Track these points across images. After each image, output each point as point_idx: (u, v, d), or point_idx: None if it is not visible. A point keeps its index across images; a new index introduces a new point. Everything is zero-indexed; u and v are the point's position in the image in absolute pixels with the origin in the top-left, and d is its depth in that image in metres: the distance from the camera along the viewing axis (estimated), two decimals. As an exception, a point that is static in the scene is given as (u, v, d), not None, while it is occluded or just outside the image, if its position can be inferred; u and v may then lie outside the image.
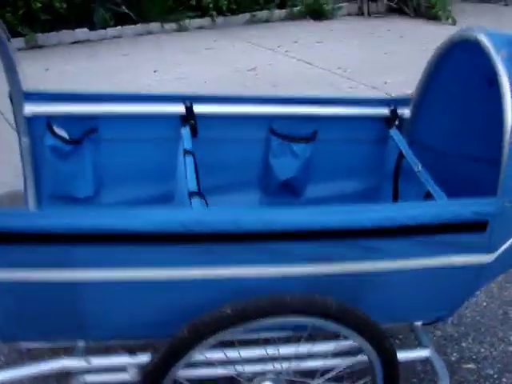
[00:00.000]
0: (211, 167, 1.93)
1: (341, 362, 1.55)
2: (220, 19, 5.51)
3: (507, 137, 1.39)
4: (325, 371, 1.57)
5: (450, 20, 6.29)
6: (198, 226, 1.30)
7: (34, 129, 1.85)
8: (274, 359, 1.54)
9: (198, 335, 1.35)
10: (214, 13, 5.43)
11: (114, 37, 5.00)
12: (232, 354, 1.50)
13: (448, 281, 1.56)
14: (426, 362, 1.82)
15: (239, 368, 1.52)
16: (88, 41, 4.87)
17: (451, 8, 6.42)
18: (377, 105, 2.01)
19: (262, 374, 1.56)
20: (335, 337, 1.51)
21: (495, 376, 2.11)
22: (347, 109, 1.99)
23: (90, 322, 1.47)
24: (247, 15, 5.72)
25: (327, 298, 1.38)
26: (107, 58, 4.47)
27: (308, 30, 5.64)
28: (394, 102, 2.01)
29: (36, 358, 1.58)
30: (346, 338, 1.48)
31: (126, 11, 5.13)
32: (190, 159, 1.72)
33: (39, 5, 4.34)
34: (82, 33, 4.86)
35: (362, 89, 3.83)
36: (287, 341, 1.58)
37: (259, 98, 1.96)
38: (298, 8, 6.05)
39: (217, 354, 1.48)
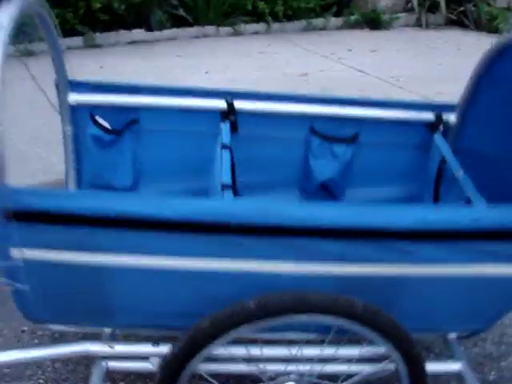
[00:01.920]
0: (249, 163, 1.94)
1: (366, 368, 1.52)
2: (275, 25, 5.51)
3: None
4: (348, 376, 1.53)
5: None
6: (225, 216, 1.29)
7: (78, 118, 1.89)
8: (297, 360, 1.51)
9: (220, 328, 1.33)
10: (270, 18, 5.44)
11: (170, 38, 5.07)
12: (255, 351, 1.49)
13: (486, 291, 1.50)
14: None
15: (262, 366, 1.50)
16: (144, 41, 4.95)
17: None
18: (421, 109, 1.96)
19: (285, 374, 1.54)
20: (361, 342, 1.47)
21: (534, 400, 2.02)
22: (390, 112, 1.95)
23: (116, 308, 1.47)
24: (303, 22, 5.71)
25: (353, 298, 1.34)
26: (161, 59, 4.54)
27: (363, 38, 5.59)
28: (439, 107, 1.96)
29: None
30: (371, 342, 1.45)
31: (183, 14, 5.20)
32: (226, 154, 1.72)
33: (99, 5, 4.44)
34: (138, 33, 4.96)
35: (412, 98, 3.76)
36: (312, 343, 1.55)
37: (301, 97, 1.94)
38: (355, 17, 6.01)
39: (240, 351, 1.47)
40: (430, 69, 4.55)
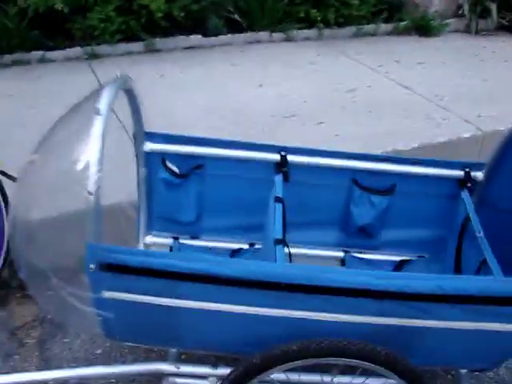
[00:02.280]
0: (298, 207, 2.23)
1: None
2: (326, 31, 5.71)
3: None
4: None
5: None
6: (276, 277, 1.59)
7: (151, 162, 2.21)
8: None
9: (268, 364, 1.65)
10: (321, 25, 5.64)
11: (225, 44, 5.32)
12: (294, 377, 1.80)
13: (493, 342, 1.77)
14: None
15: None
16: (201, 47, 5.22)
17: None
18: (452, 167, 2.20)
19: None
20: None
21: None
22: (426, 169, 2.21)
23: (183, 336, 1.81)
24: (353, 28, 5.88)
25: (378, 347, 1.64)
26: (217, 67, 4.80)
27: (411, 47, 5.72)
28: (468, 165, 2.20)
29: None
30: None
31: (238, 19, 5.45)
32: (279, 207, 2.02)
33: (161, 14, 4.74)
34: (195, 39, 5.22)
35: (454, 121, 3.94)
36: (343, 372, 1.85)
37: (345, 154, 2.21)
38: (405, 23, 6.14)
39: (280, 376, 1.78)
40: (475, 85, 4.69)
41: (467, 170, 2.18)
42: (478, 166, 2.19)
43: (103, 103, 1.60)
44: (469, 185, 2.18)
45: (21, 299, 2.64)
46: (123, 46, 4.91)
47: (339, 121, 3.80)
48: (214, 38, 5.32)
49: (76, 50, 4.76)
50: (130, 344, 2.01)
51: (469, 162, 2.23)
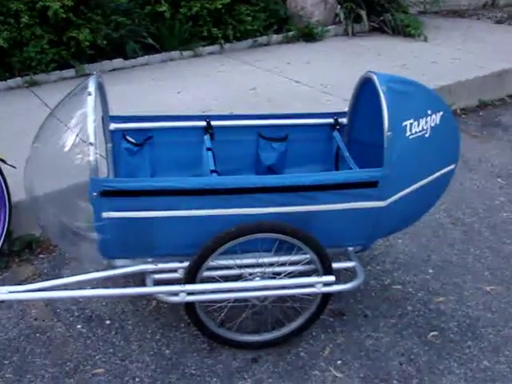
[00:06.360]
0: (223, 158, 3.06)
1: (298, 268, 2.69)
2: (227, 45, 6.72)
3: (385, 134, 2.51)
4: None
5: (422, 37, 7.42)
6: (215, 185, 2.45)
7: (115, 137, 3.05)
8: (261, 265, 2.69)
9: (217, 243, 2.47)
10: (222, 41, 6.65)
11: (143, 64, 6.20)
12: (239, 261, 2.63)
13: (360, 218, 2.60)
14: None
15: (243, 270, 2.68)
16: (123, 68, 6.06)
17: (423, 27, 7.55)
18: (326, 117, 3.17)
19: (255, 272, 2.71)
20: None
21: (413, 292, 3.22)
22: (308, 120, 3.18)
23: (157, 243, 2.55)
24: (250, 41, 6.92)
25: (287, 223, 2.52)
26: (139, 83, 5.64)
27: (300, 51, 6.81)
28: (337, 114, 3.19)
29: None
30: (300, 250, 2.62)
31: (152, 43, 6.35)
32: (210, 153, 2.91)
33: (87, 43, 5.56)
34: (117, 62, 6.06)
35: (336, 101, 4.98)
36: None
37: (252, 115, 3.14)
38: (292, 32, 7.25)
39: (229, 261, 2.62)
40: (353, 75, 5.67)
41: (335, 117, 3.16)
42: (342, 114, 3.17)
43: (91, 87, 2.43)
44: (337, 127, 3.14)
45: (19, 263, 3.39)
46: (57, 73, 5.70)
47: (245, 110, 4.71)
48: (133, 60, 6.21)
49: (17, 80, 5.50)
50: (120, 260, 2.72)
51: (336, 112, 3.21)
